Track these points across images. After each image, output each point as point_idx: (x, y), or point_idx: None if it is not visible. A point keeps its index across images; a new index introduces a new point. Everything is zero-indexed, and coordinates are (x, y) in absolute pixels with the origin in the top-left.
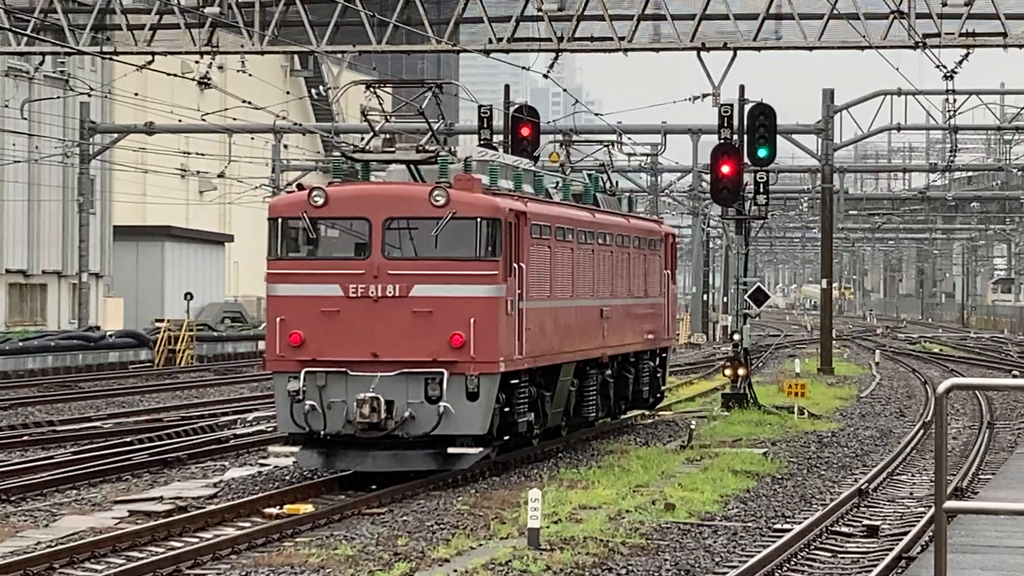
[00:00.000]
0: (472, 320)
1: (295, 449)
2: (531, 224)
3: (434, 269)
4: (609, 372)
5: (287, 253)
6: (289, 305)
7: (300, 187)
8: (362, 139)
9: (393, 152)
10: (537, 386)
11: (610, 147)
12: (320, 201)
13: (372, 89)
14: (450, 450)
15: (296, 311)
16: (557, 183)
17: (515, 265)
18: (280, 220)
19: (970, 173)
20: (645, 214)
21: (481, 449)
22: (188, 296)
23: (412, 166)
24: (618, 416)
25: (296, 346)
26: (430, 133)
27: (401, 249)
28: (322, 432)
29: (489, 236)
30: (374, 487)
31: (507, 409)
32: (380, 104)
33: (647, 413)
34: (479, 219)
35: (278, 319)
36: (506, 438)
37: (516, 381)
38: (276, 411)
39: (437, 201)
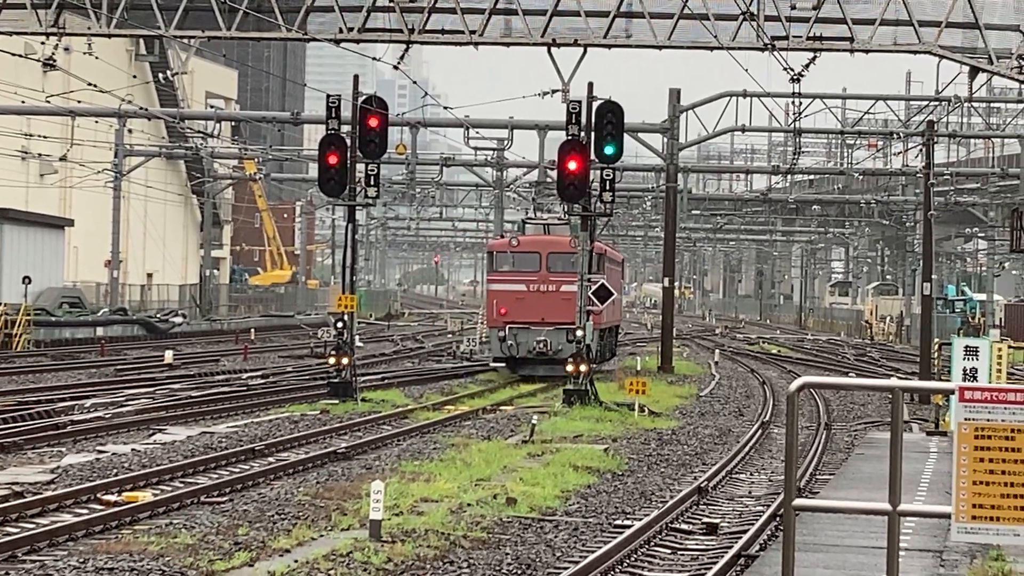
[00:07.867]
0: None
1: (501, 365)
2: (607, 256)
3: (572, 278)
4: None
5: (497, 269)
6: (499, 295)
7: (503, 235)
8: (212, 127)
9: (545, 219)
10: (603, 336)
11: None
12: (516, 243)
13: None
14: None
15: (502, 297)
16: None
17: (603, 276)
18: (495, 252)
19: (811, 176)
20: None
21: (594, 366)
22: (26, 280)
23: (544, 225)
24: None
25: (503, 314)
26: (567, 213)
27: (556, 267)
28: (516, 356)
29: (598, 262)
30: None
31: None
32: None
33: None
34: (594, 253)
35: (494, 301)
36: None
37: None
38: (491, 347)
39: (574, 245)
